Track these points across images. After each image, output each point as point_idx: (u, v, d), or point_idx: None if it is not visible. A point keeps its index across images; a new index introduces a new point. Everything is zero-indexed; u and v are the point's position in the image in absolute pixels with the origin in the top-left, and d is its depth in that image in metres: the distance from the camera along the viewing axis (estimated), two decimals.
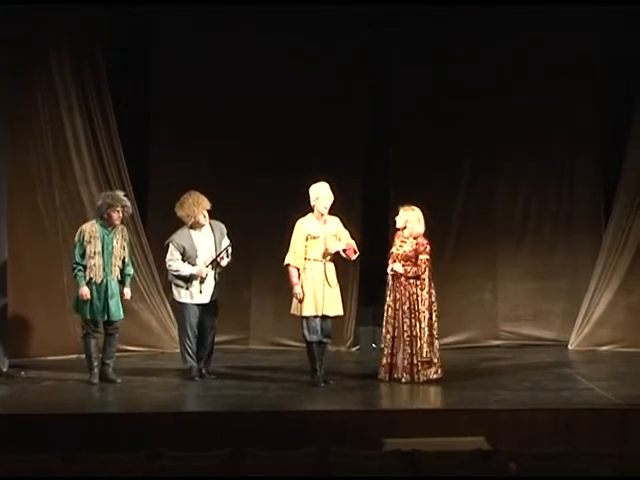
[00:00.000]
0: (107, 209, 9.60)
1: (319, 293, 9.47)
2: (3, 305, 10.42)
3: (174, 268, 9.77)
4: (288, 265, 9.55)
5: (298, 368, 10.21)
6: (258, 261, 11.59)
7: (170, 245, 9.79)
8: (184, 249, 9.75)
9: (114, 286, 9.62)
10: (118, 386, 9.52)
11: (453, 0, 11.05)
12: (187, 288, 9.77)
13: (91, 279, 9.54)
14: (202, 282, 9.75)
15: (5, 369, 10.16)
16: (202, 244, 9.81)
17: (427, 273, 9.53)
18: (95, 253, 9.54)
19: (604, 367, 10.65)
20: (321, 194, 9.55)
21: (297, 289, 9.47)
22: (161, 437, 7.82)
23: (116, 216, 9.61)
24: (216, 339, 10.10)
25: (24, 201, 10.92)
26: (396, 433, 7.75)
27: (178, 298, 9.86)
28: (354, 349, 11.91)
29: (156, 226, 11.14)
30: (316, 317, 9.46)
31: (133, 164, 11.54)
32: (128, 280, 9.77)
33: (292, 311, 9.63)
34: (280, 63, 11.67)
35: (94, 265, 9.53)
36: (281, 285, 11.29)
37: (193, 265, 9.74)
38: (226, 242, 9.87)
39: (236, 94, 11.63)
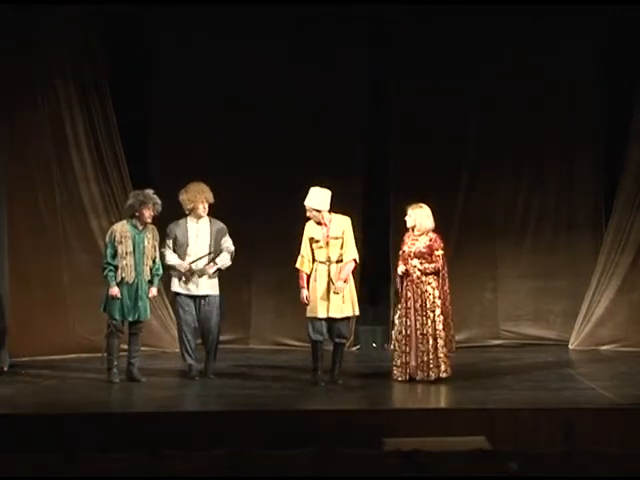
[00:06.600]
0: (139, 206, 9.54)
1: (324, 295, 9.42)
2: (3, 304, 10.41)
3: (163, 254, 9.75)
4: (298, 269, 9.51)
5: (298, 367, 10.22)
6: (258, 261, 11.57)
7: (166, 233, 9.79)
8: (176, 237, 9.71)
9: (145, 286, 9.60)
10: (118, 386, 9.50)
11: (454, 1, 11.05)
12: (179, 278, 9.73)
13: (123, 279, 9.49)
14: (192, 273, 9.69)
15: (6, 368, 10.16)
16: (195, 236, 9.73)
17: (446, 268, 9.51)
18: (127, 253, 9.49)
19: (605, 366, 10.64)
20: (308, 199, 9.45)
21: (303, 292, 9.43)
22: (161, 437, 7.81)
23: (148, 214, 9.57)
24: None
25: (24, 199, 10.93)
26: (396, 433, 7.73)
27: (172, 287, 9.84)
28: (354, 348, 11.92)
29: (156, 225, 11.11)
30: (320, 319, 9.42)
31: (133, 163, 11.54)
32: (157, 280, 9.72)
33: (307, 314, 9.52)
34: (280, 62, 11.68)
35: (126, 265, 9.48)
36: (281, 285, 11.31)
37: (184, 255, 9.69)
38: (226, 242, 9.82)
39: (237, 94, 11.64)
